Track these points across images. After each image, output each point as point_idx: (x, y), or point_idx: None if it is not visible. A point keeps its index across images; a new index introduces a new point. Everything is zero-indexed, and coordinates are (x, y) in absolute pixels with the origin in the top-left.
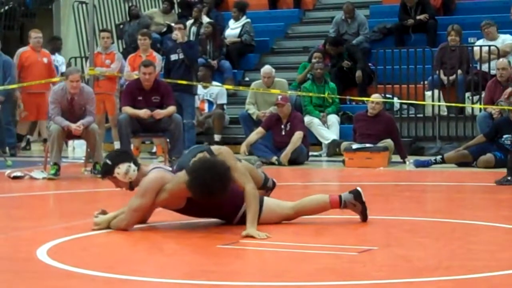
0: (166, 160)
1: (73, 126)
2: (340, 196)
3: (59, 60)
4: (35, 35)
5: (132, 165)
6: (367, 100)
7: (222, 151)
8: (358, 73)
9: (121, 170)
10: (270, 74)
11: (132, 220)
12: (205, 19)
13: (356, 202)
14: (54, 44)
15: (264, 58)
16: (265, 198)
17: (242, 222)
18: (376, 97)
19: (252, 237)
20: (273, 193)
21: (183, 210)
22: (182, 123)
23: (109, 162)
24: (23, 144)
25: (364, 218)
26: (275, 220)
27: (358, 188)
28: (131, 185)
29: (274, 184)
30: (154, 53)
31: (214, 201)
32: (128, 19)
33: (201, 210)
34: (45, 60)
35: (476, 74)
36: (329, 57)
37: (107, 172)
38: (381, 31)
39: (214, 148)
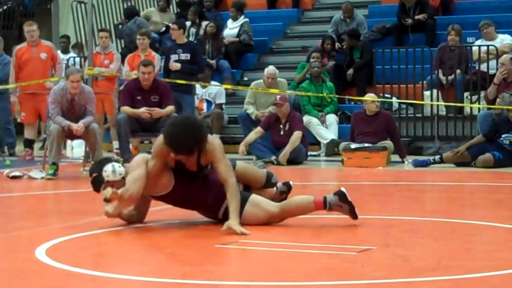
0: None
1: (74, 126)
2: (324, 198)
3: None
4: (27, 29)
5: (114, 163)
6: (364, 100)
7: (213, 142)
8: (350, 71)
9: (108, 171)
10: (274, 75)
11: (136, 190)
12: (204, 22)
13: (342, 203)
14: (62, 43)
15: (263, 58)
16: (253, 194)
17: (228, 217)
18: (371, 97)
19: (233, 230)
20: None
21: (169, 197)
22: None
23: (94, 174)
24: (38, 145)
25: (354, 217)
26: (261, 216)
27: (342, 189)
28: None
29: (289, 186)
30: (153, 53)
31: (185, 155)
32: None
33: (186, 197)
34: (42, 56)
35: (475, 74)
36: (327, 56)
37: (99, 181)
38: (380, 31)
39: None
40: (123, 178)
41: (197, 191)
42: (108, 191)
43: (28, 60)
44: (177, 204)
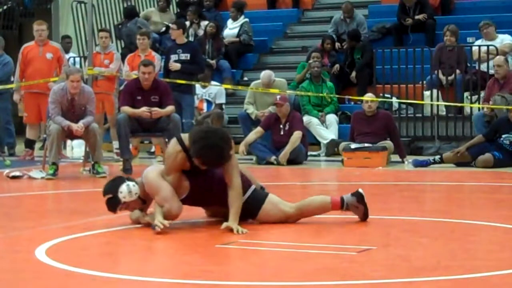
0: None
1: (74, 126)
2: (342, 198)
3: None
4: (36, 27)
5: (128, 182)
6: (362, 100)
7: None
8: (353, 74)
9: (124, 192)
10: (268, 82)
11: (177, 206)
12: (203, 22)
13: (359, 205)
14: (67, 43)
15: (263, 58)
16: (270, 193)
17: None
18: (367, 97)
19: (231, 230)
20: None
21: (187, 198)
22: (181, 123)
23: (110, 195)
24: (39, 145)
25: (364, 218)
26: (277, 216)
27: (360, 190)
28: (141, 200)
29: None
30: (153, 53)
31: (220, 165)
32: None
33: (204, 194)
34: (48, 56)
35: (475, 74)
36: (327, 56)
37: (116, 203)
38: (380, 31)
39: None
40: (139, 198)
41: (212, 187)
42: (159, 225)
43: (33, 58)
44: (195, 203)
